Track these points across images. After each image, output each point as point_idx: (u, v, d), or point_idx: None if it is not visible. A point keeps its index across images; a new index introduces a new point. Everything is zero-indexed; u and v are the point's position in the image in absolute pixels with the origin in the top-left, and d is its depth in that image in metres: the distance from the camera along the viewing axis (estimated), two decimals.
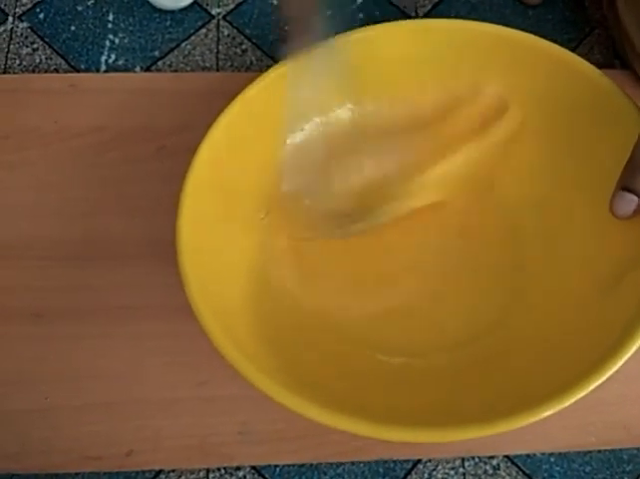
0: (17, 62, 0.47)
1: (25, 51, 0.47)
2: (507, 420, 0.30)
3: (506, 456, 0.37)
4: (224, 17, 0.49)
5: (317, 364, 0.35)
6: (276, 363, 0.33)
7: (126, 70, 0.46)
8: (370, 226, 0.39)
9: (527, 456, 0.37)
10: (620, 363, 0.30)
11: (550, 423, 0.36)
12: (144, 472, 0.36)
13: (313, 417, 0.30)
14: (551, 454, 0.37)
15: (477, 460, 0.37)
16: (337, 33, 0.36)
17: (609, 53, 0.48)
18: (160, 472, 0.36)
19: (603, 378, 0.30)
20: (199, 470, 0.37)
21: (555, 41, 0.39)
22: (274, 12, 0.49)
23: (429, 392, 0.34)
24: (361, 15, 0.49)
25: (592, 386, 0.30)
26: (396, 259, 0.40)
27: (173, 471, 0.36)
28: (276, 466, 0.37)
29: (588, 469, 0.37)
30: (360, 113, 0.39)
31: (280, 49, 0.34)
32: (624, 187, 0.33)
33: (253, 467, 0.37)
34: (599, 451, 0.37)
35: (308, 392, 0.30)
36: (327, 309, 0.38)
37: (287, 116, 0.37)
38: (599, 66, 0.38)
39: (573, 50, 0.46)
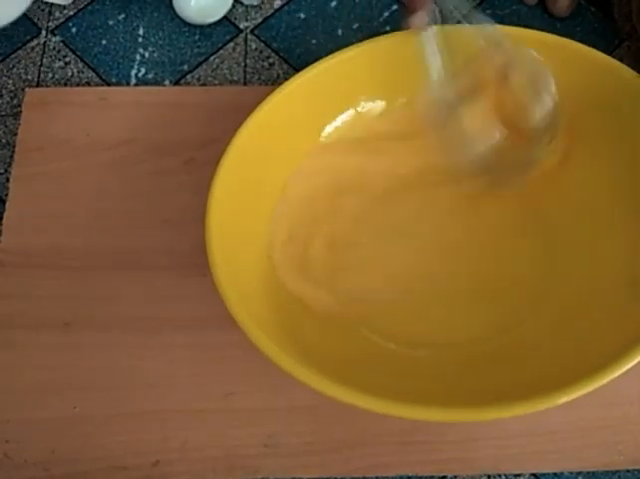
0: (50, 75, 0.48)
1: (57, 64, 0.48)
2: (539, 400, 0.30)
3: (533, 474, 0.37)
4: (252, 31, 0.49)
5: (341, 354, 0.36)
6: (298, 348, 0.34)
7: (155, 83, 0.47)
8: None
9: (555, 474, 0.36)
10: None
11: (578, 441, 0.36)
12: None
13: (363, 405, 0.30)
14: (579, 473, 0.36)
15: (502, 478, 0.37)
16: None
17: (638, 65, 0.47)
18: None
19: (623, 369, 0.30)
20: None
21: None
22: (301, 26, 0.49)
23: (454, 378, 0.35)
24: (388, 28, 0.49)
25: (610, 377, 0.30)
26: (427, 257, 0.40)
27: None
28: None
29: None
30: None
31: (403, 22, 0.38)
32: None
33: None
34: (627, 470, 0.36)
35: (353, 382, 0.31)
36: (353, 303, 0.38)
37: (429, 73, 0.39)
38: None
39: None
